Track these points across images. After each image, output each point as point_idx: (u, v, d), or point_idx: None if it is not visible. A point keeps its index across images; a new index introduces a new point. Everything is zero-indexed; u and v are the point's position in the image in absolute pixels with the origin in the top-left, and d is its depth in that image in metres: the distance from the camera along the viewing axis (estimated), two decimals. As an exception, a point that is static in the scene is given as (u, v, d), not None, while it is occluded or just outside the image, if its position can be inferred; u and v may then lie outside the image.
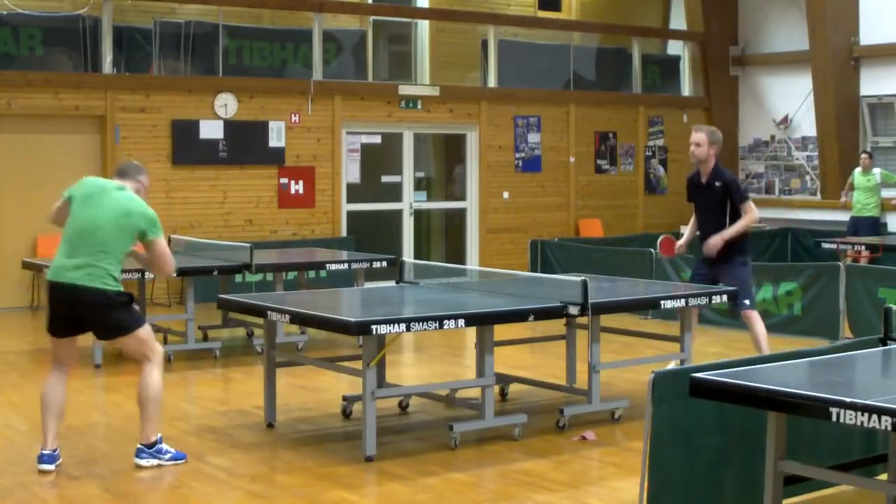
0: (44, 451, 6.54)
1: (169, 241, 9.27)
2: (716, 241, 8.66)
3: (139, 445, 6.61)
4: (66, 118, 13.72)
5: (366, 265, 10.79)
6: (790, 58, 18.05)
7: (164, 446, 6.65)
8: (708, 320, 11.78)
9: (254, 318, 9.24)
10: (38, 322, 12.48)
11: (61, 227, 6.94)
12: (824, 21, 16.91)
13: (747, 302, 8.75)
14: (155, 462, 6.59)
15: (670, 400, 4.87)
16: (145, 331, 6.58)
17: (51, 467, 6.50)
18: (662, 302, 7.76)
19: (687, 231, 9.21)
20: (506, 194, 16.72)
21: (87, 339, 10.46)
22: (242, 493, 6.13)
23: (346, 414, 7.79)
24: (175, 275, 6.94)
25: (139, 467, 6.55)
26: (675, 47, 19.60)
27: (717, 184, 8.75)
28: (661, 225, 17.84)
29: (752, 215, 8.79)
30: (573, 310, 7.15)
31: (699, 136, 8.72)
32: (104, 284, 6.44)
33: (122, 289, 6.53)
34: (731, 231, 8.67)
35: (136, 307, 6.71)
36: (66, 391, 6.72)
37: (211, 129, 14.36)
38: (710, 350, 10.30)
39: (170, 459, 6.62)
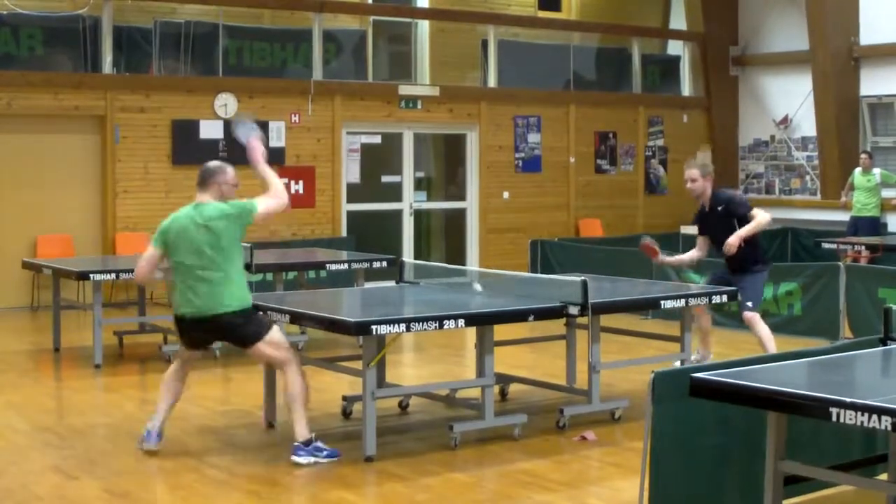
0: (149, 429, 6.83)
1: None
2: (733, 241, 8.81)
3: (295, 444, 6.66)
4: (66, 118, 13.72)
5: (366, 265, 10.79)
6: (790, 58, 18.05)
7: (321, 444, 6.69)
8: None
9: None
10: (38, 322, 12.50)
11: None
12: (824, 21, 16.91)
13: (749, 304, 8.92)
14: (312, 459, 6.62)
15: (670, 400, 4.87)
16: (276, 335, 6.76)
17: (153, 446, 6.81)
18: (662, 302, 7.77)
19: (686, 255, 9.51)
20: (506, 194, 16.72)
21: (86, 340, 10.50)
22: (242, 493, 6.14)
23: (346, 414, 7.79)
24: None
25: (297, 465, 6.59)
26: (675, 47, 19.60)
27: (718, 208, 9.04)
28: (662, 225, 17.85)
29: (762, 218, 8.94)
30: (573, 310, 7.16)
31: (692, 172, 9.06)
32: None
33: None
34: (746, 230, 8.84)
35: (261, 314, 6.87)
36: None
37: (211, 129, 14.35)
38: (710, 350, 10.28)
39: (326, 457, 6.64)
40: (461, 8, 17.27)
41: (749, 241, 8.91)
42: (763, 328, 8.99)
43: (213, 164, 7.08)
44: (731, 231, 8.87)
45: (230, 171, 7.01)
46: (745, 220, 8.90)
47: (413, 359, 10.67)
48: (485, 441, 7.15)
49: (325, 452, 6.68)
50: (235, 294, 6.68)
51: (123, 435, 7.39)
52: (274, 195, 6.95)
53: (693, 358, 9.50)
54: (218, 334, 6.87)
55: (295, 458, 6.64)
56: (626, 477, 6.35)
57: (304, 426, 6.69)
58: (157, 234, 6.88)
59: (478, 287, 8.23)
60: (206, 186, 6.89)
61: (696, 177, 9.03)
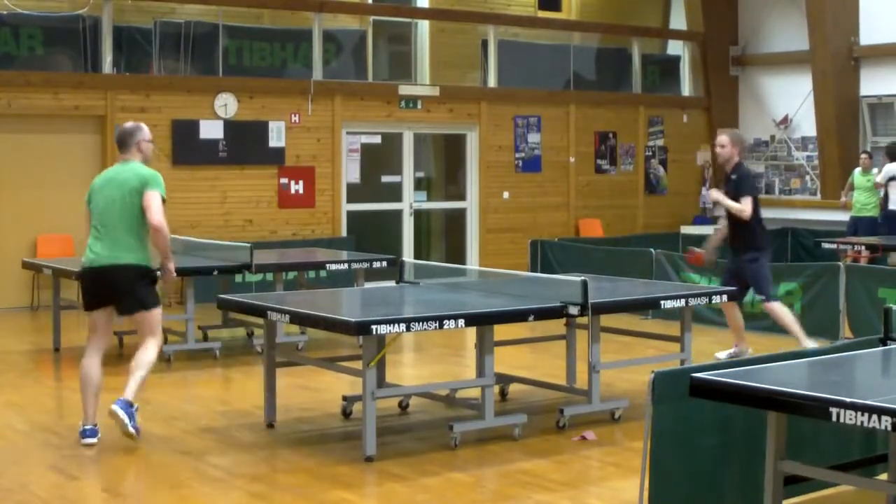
0: (86, 427, 7.07)
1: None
2: (714, 194, 9.67)
3: (122, 399, 6.99)
4: (66, 118, 13.72)
5: (366, 265, 10.79)
6: (790, 58, 18.05)
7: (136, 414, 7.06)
8: (709, 320, 11.78)
9: (254, 318, 9.24)
10: (38, 322, 12.50)
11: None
12: (824, 21, 16.91)
13: (762, 297, 9.62)
14: (125, 417, 6.89)
15: (670, 400, 4.87)
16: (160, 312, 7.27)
17: (94, 440, 7.00)
18: (662, 302, 7.77)
19: (718, 233, 10.06)
20: (506, 194, 16.72)
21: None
22: (242, 493, 6.14)
23: (346, 414, 7.79)
24: (161, 235, 7.07)
25: (112, 413, 6.90)
26: (675, 47, 19.60)
27: (732, 177, 9.56)
28: (661, 225, 17.86)
29: (742, 206, 9.39)
30: (573, 310, 7.16)
31: (722, 137, 9.61)
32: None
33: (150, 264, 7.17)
34: (727, 201, 9.46)
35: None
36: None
37: (211, 130, 14.35)
38: (710, 350, 10.29)
39: (133, 427, 6.93)
40: (461, 8, 17.27)
41: (745, 226, 9.41)
42: (784, 314, 9.66)
43: (132, 124, 7.43)
44: (734, 199, 9.41)
45: (145, 129, 7.37)
46: (736, 197, 9.41)
47: (413, 359, 10.67)
48: (485, 441, 7.15)
49: (134, 421, 6.98)
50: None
51: (123, 435, 7.39)
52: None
53: (729, 353, 9.72)
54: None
55: (114, 407, 6.92)
56: (626, 477, 6.35)
57: (136, 391, 7.08)
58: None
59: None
60: (126, 149, 7.27)
61: (726, 143, 9.53)
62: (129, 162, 7.20)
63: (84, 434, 7.09)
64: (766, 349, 9.42)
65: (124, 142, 7.24)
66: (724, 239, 9.86)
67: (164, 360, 9.96)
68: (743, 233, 9.49)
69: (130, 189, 7.03)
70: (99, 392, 7.21)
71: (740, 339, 9.89)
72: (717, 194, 9.57)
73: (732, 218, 9.50)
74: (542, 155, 17.10)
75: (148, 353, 7.17)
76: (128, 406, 6.98)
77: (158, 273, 7.35)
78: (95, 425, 7.13)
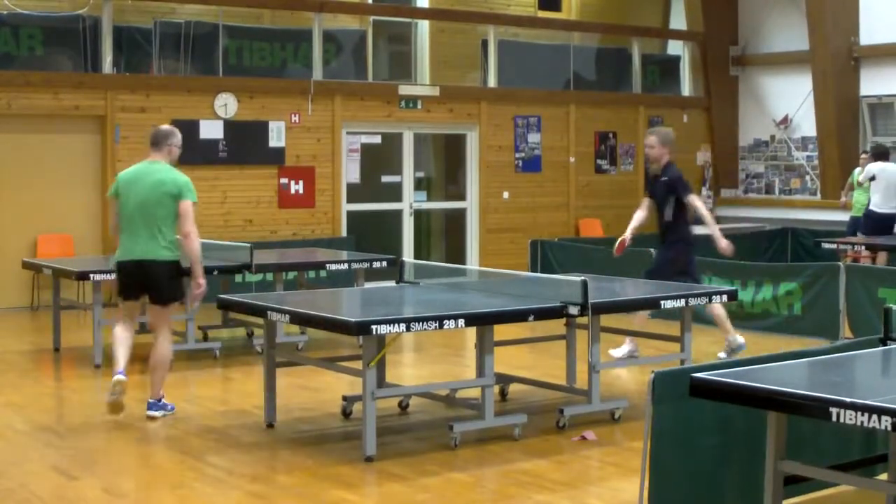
0: (118, 370, 7.62)
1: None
2: (724, 246, 10.05)
3: (151, 401, 7.81)
4: (66, 118, 13.72)
5: (366, 265, 10.79)
6: (790, 58, 18.05)
7: (165, 401, 7.87)
8: (708, 320, 11.76)
9: (254, 318, 9.24)
10: (38, 322, 12.49)
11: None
12: (824, 21, 16.91)
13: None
14: (162, 413, 7.76)
15: (670, 400, 4.87)
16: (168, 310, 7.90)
17: (123, 378, 7.57)
18: (662, 302, 7.77)
19: (634, 220, 10.26)
20: (506, 194, 16.72)
21: (86, 340, 10.50)
22: (242, 493, 6.14)
23: (346, 414, 7.79)
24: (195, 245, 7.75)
25: (152, 418, 7.70)
26: (675, 47, 19.59)
27: (663, 178, 9.79)
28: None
29: (704, 208, 10.03)
30: (573, 310, 7.16)
31: (651, 138, 9.91)
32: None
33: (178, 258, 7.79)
34: (715, 230, 10.06)
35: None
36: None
37: (211, 129, 14.35)
38: (710, 350, 10.30)
39: (171, 410, 7.83)
40: (461, 8, 17.27)
41: (683, 218, 9.82)
42: (717, 307, 9.89)
43: (167, 127, 8.06)
44: (669, 203, 9.70)
45: (179, 134, 7.96)
46: (681, 200, 9.68)
47: (413, 359, 10.67)
48: (485, 441, 7.15)
49: (170, 406, 7.86)
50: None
51: (123, 435, 7.40)
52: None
53: (624, 351, 9.74)
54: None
55: (150, 413, 7.74)
56: (625, 477, 6.35)
57: (160, 387, 7.84)
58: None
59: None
60: (157, 150, 7.86)
61: (654, 143, 9.81)
62: (157, 162, 7.77)
63: (117, 373, 7.65)
64: (765, 349, 9.42)
65: (158, 142, 7.80)
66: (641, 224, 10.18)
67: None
68: (677, 228, 9.82)
69: (168, 193, 7.64)
70: (129, 349, 7.88)
71: (727, 330, 10.04)
72: (726, 245, 10.02)
73: (665, 213, 9.79)
74: (542, 155, 17.09)
75: (165, 349, 7.85)
76: (156, 404, 7.81)
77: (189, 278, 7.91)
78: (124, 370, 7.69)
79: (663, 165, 9.79)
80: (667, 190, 9.74)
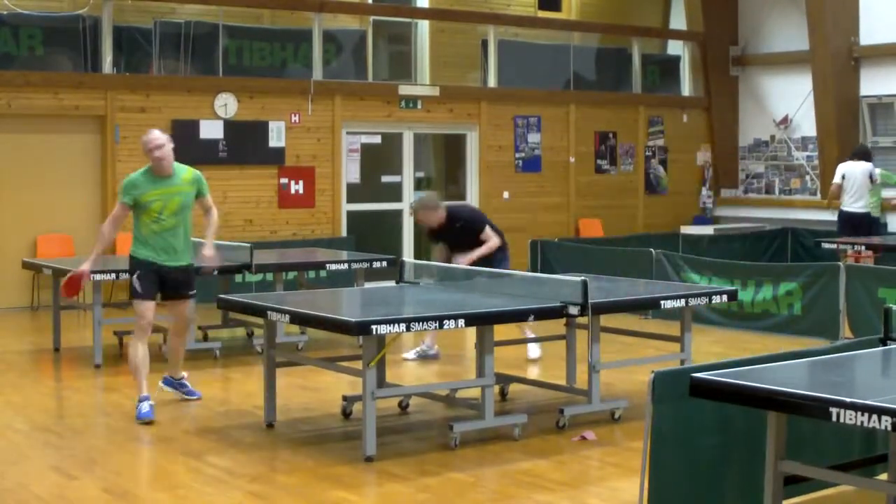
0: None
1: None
2: (465, 260, 9.53)
3: (174, 378, 8.34)
4: (66, 118, 13.71)
5: (366, 265, 10.79)
6: (790, 58, 18.05)
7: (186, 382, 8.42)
8: (708, 320, 11.79)
9: (254, 318, 9.24)
10: (38, 322, 12.49)
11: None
12: (824, 21, 16.91)
13: None
14: (173, 391, 8.33)
15: (670, 400, 4.87)
16: (136, 304, 7.93)
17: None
18: (662, 302, 7.76)
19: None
20: (506, 194, 16.72)
21: (87, 340, 10.50)
22: (242, 493, 6.13)
23: (346, 414, 7.79)
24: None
25: (161, 389, 8.26)
26: (675, 47, 19.59)
27: (457, 225, 9.73)
28: (661, 225, 17.86)
29: (493, 242, 9.80)
30: (573, 310, 7.16)
31: (440, 213, 9.71)
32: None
33: (135, 255, 7.90)
34: (480, 252, 9.70)
35: (138, 281, 7.89)
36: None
37: (211, 129, 14.35)
38: (710, 350, 10.30)
39: (187, 394, 8.35)
40: (461, 8, 17.27)
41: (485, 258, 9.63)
42: None
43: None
44: (473, 238, 9.66)
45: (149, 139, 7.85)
46: (479, 235, 9.68)
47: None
48: (485, 441, 7.15)
49: (186, 388, 8.38)
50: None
51: (123, 435, 7.40)
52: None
53: (420, 349, 10.00)
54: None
55: (162, 385, 8.33)
56: (625, 477, 6.35)
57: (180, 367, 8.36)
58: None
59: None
60: None
61: (441, 218, 9.65)
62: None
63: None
64: (765, 349, 9.42)
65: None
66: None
67: (164, 360, 9.95)
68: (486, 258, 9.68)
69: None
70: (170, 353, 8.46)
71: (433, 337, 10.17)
72: (467, 260, 9.60)
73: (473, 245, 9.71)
74: (542, 155, 17.09)
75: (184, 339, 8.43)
76: (174, 381, 8.49)
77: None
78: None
79: (448, 217, 9.70)
80: (470, 229, 9.76)
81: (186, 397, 8.35)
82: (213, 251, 8.21)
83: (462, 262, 9.54)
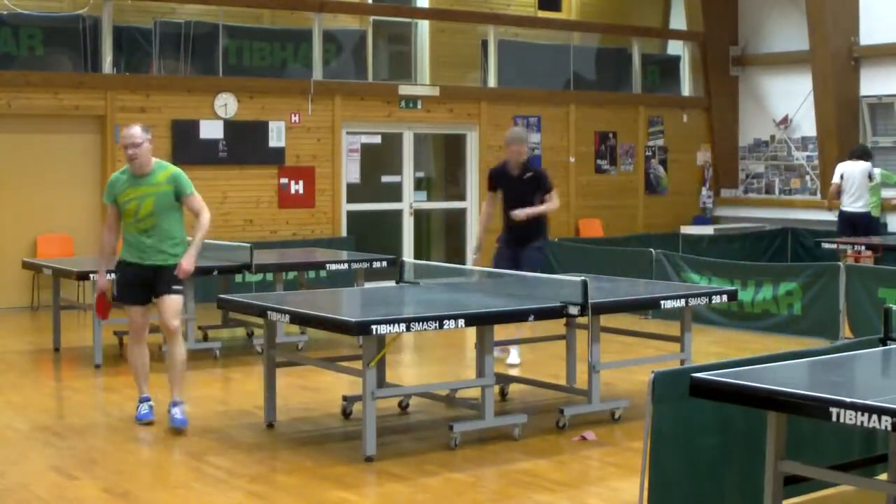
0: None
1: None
2: (523, 213, 9.62)
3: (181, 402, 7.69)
4: (66, 118, 13.71)
5: (366, 265, 10.79)
6: (790, 58, 18.05)
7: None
8: (708, 320, 11.78)
9: (254, 318, 9.24)
10: (37, 322, 12.49)
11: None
12: (824, 21, 16.91)
13: None
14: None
15: (670, 400, 4.87)
16: (125, 309, 7.76)
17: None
18: (662, 302, 7.76)
19: (483, 219, 10.36)
20: (506, 194, 16.69)
21: (86, 340, 10.50)
22: (242, 494, 6.13)
23: (346, 414, 7.79)
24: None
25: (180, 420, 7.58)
26: (675, 47, 19.59)
27: (526, 175, 9.78)
28: (661, 225, 17.85)
29: (556, 203, 9.93)
30: (573, 310, 7.16)
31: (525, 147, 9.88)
32: None
33: (120, 256, 7.76)
34: (541, 209, 9.73)
35: (116, 286, 7.84)
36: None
37: (211, 129, 14.35)
38: (710, 350, 10.30)
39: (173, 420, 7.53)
40: (461, 8, 17.27)
41: (538, 218, 9.77)
42: None
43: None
44: (531, 199, 9.64)
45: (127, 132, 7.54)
46: (545, 194, 9.71)
47: (413, 359, 10.67)
48: (485, 441, 7.15)
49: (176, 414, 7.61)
50: None
51: (123, 435, 7.40)
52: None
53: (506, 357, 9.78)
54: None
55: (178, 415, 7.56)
56: (625, 477, 6.35)
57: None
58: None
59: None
60: None
61: (524, 157, 9.77)
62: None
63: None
64: (765, 349, 9.42)
65: None
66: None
67: (164, 360, 9.95)
68: (533, 223, 9.74)
69: None
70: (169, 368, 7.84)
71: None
72: (525, 213, 9.65)
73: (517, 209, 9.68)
74: (542, 155, 17.09)
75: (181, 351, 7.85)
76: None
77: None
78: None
79: (522, 163, 9.81)
80: (534, 185, 9.78)
81: (173, 425, 7.46)
82: (189, 259, 7.54)
83: (519, 214, 9.59)
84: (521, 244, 9.82)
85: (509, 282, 8.73)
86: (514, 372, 9.61)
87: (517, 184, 9.78)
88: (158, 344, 10.11)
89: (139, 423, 7.58)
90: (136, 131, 7.39)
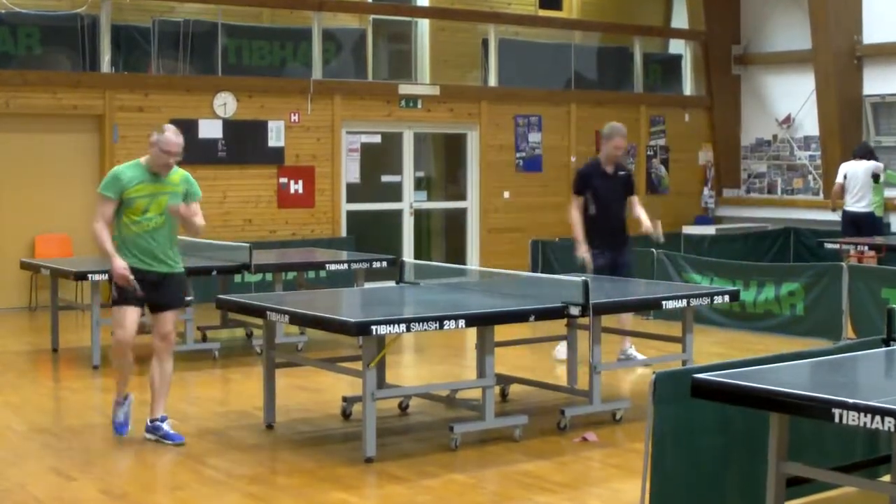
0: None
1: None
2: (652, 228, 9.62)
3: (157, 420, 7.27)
4: (65, 117, 13.69)
5: (366, 265, 10.77)
6: (793, 57, 18.02)
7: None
8: (710, 320, 11.75)
9: (253, 318, 9.21)
10: (36, 322, 12.47)
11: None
12: (827, 20, 16.88)
13: None
14: (154, 437, 7.21)
15: (672, 401, 4.85)
16: (115, 311, 7.22)
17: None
18: (664, 302, 7.74)
19: (579, 229, 9.59)
20: (506, 194, 16.69)
21: (85, 340, 10.47)
22: (242, 495, 6.11)
23: (346, 415, 7.76)
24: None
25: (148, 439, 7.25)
26: (676, 46, 19.57)
27: (621, 173, 9.63)
28: (663, 224, 17.73)
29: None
30: (574, 310, 7.13)
31: (623, 140, 9.57)
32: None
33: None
34: (645, 217, 9.62)
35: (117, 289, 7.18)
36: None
37: (210, 129, 14.33)
38: (712, 350, 10.27)
39: (165, 437, 7.17)
40: (461, 7, 17.24)
41: (624, 221, 9.64)
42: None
43: (166, 125, 7.42)
44: (623, 199, 9.56)
45: (164, 139, 7.18)
46: (630, 195, 9.67)
47: (413, 359, 10.64)
48: (485, 442, 7.12)
49: (162, 431, 7.19)
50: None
51: (122, 436, 7.36)
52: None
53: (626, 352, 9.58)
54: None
55: (146, 436, 7.20)
56: (627, 478, 6.32)
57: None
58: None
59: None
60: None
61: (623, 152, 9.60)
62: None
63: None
64: (767, 350, 9.40)
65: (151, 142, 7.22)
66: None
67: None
68: (624, 227, 9.59)
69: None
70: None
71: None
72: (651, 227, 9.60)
73: (617, 212, 9.54)
74: (542, 154, 17.06)
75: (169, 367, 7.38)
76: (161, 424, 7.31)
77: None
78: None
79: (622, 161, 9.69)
80: (627, 185, 9.66)
81: (164, 441, 7.17)
82: (185, 208, 7.26)
83: (651, 229, 9.52)
84: (618, 249, 9.56)
85: (509, 282, 8.69)
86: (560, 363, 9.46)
87: (611, 182, 9.50)
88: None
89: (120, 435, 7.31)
90: (181, 140, 7.20)
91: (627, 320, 9.71)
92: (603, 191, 9.46)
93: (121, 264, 7.05)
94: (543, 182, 17.09)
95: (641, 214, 9.60)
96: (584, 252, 9.38)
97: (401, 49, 17.34)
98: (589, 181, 9.53)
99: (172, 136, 7.15)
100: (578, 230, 9.49)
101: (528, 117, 16.91)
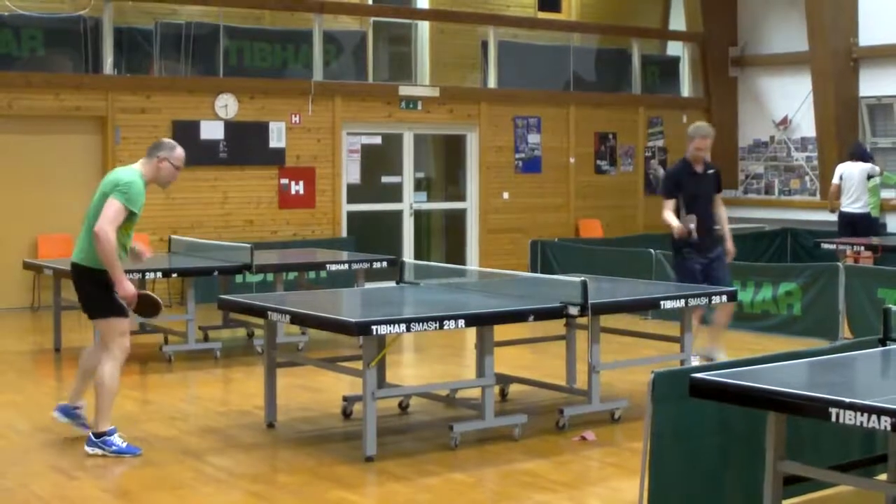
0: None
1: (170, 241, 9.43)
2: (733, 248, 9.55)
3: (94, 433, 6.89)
4: (67, 119, 13.72)
5: (366, 266, 10.80)
6: (790, 59, 18.06)
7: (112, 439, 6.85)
8: (709, 321, 11.76)
9: (254, 318, 9.25)
10: (38, 322, 12.50)
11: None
12: (823, 22, 16.92)
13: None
14: (100, 452, 6.79)
15: (670, 400, 4.88)
16: (118, 322, 6.86)
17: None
18: (662, 302, 7.77)
19: (675, 222, 9.31)
20: (506, 195, 16.72)
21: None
22: (243, 494, 6.14)
23: (347, 414, 7.80)
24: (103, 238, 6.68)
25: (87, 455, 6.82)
26: (674, 48, 19.60)
27: (709, 171, 9.46)
28: (661, 225, 17.77)
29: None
30: (573, 310, 7.16)
31: (708, 140, 9.33)
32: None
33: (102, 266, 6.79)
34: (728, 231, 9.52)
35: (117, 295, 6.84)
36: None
37: (211, 130, 14.36)
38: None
39: (114, 452, 6.79)
40: (461, 9, 17.28)
41: (714, 222, 9.41)
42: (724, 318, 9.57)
43: (166, 140, 7.27)
44: (712, 195, 9.37)
45: (169, 149, 7.09)
46: (719, 191, 9.52)
47: (413, 359, 10.68)
48: (485, 441, 7.16)
49: (114, 448, 6.82)
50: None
51: (123, 435, 7.39)
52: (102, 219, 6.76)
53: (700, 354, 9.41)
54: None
55: (86, 449, 6.83)
56: (625, 477, 6.36)
57: (101, 415, 6.86)
58: None
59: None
60: (147, 157, 7.08)
61: (708, 151, 9.36)
62: (132, 165, 7.08)
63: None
64: (764, 350, 9.43)
65: (148, 151, 7.05)
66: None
67: (164, 360, 9.99)
68: (713, 228, 9.41)
69: (104, 192, 6.83)
70: (87, 376, 7.21)
71: (716, 339, 9.64)
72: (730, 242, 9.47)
73: (710, 211, 9.36)
74: (542, 156, 17.10)
75: (101, 369, 6.87)
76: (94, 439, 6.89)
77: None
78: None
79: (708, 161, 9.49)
80: (716, 183, 9.49)
81: (81, 430, 7.08)
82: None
83: (721, 214, 9.41)
84: (710, 252, 9.38)
85: (509, 282, 8.73)
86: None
87: (702, 181, 9.36)
88: (160, 344, 10.13)
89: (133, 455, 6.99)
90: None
91: (720, 319, 9.58)
92: (692, 190, 9.32)
93: (133, 290, 6.85)
94: (542, 183, 17.13)
95: (722, 213, 9.54)
96: (682, 225, 9.14)
97: (401, 51, 17.38)
98: (679, 182, 9.40)
99: (182, 152, 7.09)
100: (672, 218, 9.28)
101: (527, 118, 16.95)
